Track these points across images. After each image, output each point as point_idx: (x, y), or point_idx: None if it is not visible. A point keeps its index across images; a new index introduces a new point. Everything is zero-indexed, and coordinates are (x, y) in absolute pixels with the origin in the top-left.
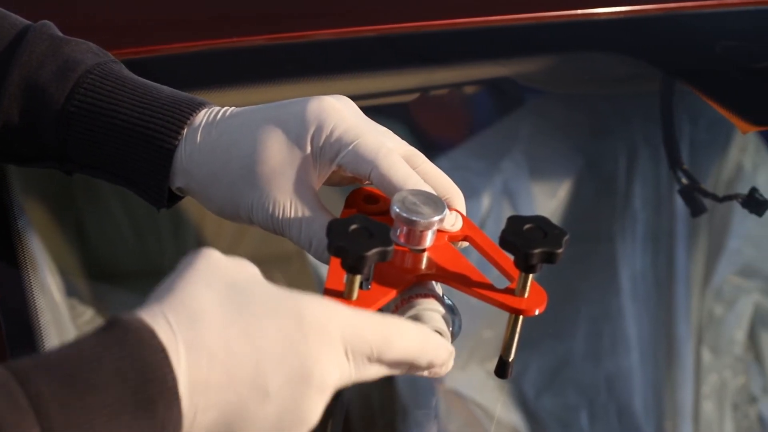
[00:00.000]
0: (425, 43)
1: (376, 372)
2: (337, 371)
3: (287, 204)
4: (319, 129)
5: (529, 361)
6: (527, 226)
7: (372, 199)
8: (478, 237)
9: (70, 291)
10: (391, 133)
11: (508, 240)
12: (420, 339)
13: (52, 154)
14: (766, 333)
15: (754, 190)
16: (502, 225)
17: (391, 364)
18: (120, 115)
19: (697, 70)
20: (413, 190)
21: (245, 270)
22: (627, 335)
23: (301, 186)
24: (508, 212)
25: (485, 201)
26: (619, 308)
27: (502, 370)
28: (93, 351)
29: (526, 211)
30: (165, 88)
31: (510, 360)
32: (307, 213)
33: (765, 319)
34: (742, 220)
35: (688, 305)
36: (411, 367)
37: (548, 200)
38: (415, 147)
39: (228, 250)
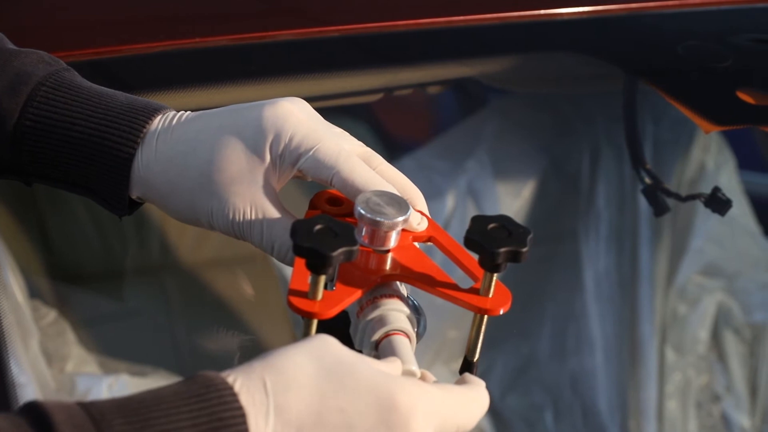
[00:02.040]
0: (389, 43)
1: None
2: None
3: (247, 209)
4: (277, 137)
5: (494, 360)
6: (491, 225)
7: (336, 201)
8: (442, 237)
9: (33, 292)
10: (347, 134)
11: (473, 240)
12: (483, 407)
13: (10, 168)
14: (729, 332)
15: (716, 190)
16: (467, 225)
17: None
18: (75, 127)
19: (660, 70)
20: (377, 191)
21: (352, 353)
22: (591, 335)
23: (261, 191)
24: (473, 212)
25: (449, 201)
26: (583, 308)
27: (467, 370)
28: (171, 401)
29: (490, 211)
30: (120, 94)
31: (475, 360)
32: (267, 216)
33: (728, 318)
34: (705, 220)
35: (652, 304)
36: None
37: (513, 200)
38: (380, 147)
39: (191, 252)
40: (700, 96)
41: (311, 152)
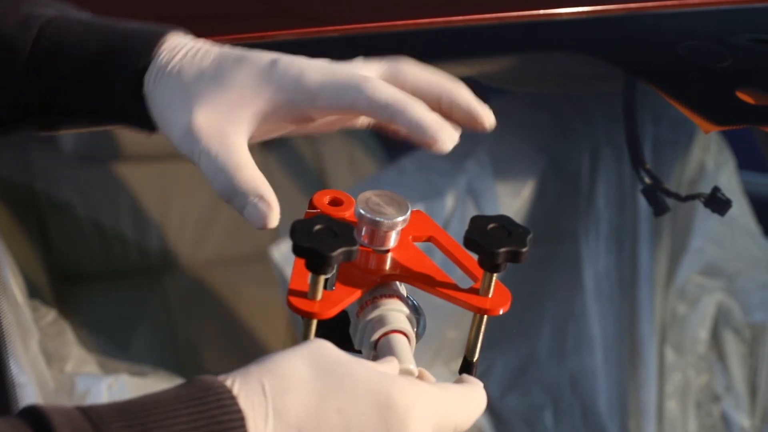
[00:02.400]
0: (387, 44)
1: None
2: None
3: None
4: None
5: (493, 361)
6: (491, 225)
7: (335, 201)
8: (442, 237)
9: (33, 292)
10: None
11: (472, 240)
12: (480, 406)
13: (27, 108)
14: (728, 332)
15: (716, 190)
16: (467, 225)
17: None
18: (89, 47)
19: (660, 70)
20: (377, 191)
21: (348, 355)
22: (591, 335)
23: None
24: (473, 212)
25: (449, 201)
26: (583, 308)
27: (466, 370)
28: (170, 404)
29: (490, 211)
30: (130, 21)
31: (474, 360)
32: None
33: (728, 318)
34: (705, 220)
35: (652, 304)
36: None
37: (512, 200)
38: (379, 147)
39: (191, 252)
40: (699, 96)
41: (328, 80)
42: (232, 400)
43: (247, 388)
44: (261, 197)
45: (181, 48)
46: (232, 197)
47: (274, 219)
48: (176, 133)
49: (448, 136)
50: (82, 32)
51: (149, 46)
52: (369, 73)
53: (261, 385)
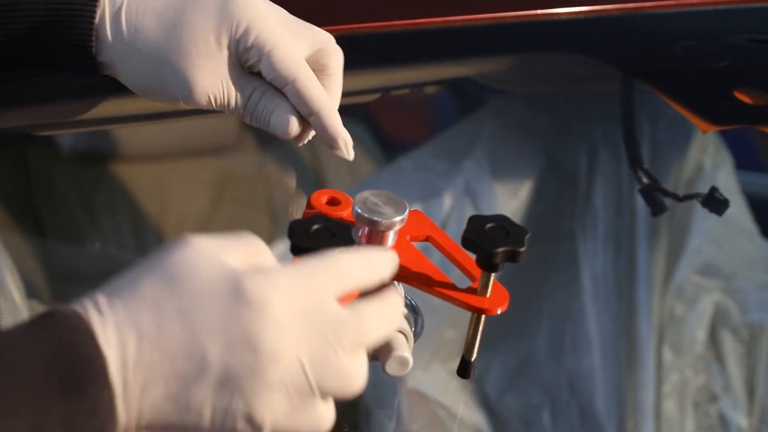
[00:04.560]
0: (386, 43)
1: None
2: (290, 335)
3: (216, 83)
4: (236, 28)
5: (491, 360)
6: (489, 225)
7: (333, 201)
8: (440, 237)
9: (31, 292)
10: (307, 29)
11: (470, 239)
12: (366, 264)
13: None
14: (726, 332)
15: (714, 190)
16: (464, 225)
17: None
18: (34, 4)
19: (658, 70)
20: (375, 190)
21: (206, 252)
22: (589, 335)
23: (226, 68)
24: (470, 212)
25: (447, 201)
26: (580, 308)
27: (464, 369)
28: (17, 337)
29: (488, 211)
30: None
31: (472, 360)
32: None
33: (725, 318)
34: (703, 220)
35: (650, 304)
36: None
37: (510, 200)
38: (377, 148)
39: None
40: (697, 96)
41: (266, 54)
42: (80, 320)
43: (90, 306)
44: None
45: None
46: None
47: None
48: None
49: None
50: None
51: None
52: (303, 54)
53: (97, 303)
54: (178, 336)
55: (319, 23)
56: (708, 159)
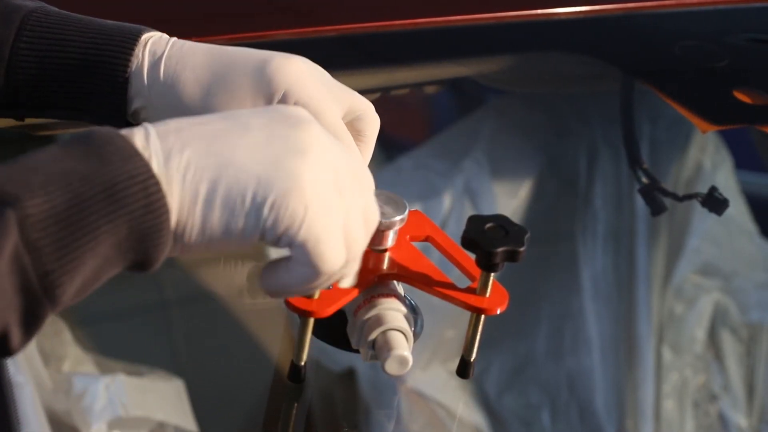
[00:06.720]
0: (386, 43)
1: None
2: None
3: None
4: (283, 97)
5: (491, 360)
6: (488, 225)
7: None
8: (440, 237)
9: None
10: (348, 94)
11: (470, 239)
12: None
13: (2, 102)
14: (726, 331)
15: (713, 189)
16: (464, 224)
17: None
18: (71, 43)
19: (657, 70)
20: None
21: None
22: (588, 334)
23: None
24: (470, 212)
25: (446, 201)
26: (580, 307)
27: (464, 369)
28: (53, 150)
29: (487, 211)
30: (108, 21)
31: (472, 359)
32: None
33: (725, 318)
34: (702, 219)
35: (649, 304)
36: None
37: (510, 200)
38: (377, 147)
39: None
40: (696, 96)
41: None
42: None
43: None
44: None
45: (162, 48)
46: None
47: None
48: None
49: None
50: (63, 27)
51: (130, 41)
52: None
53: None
54: (217, 115)
55: (320, 23)
56: (707, 159)
